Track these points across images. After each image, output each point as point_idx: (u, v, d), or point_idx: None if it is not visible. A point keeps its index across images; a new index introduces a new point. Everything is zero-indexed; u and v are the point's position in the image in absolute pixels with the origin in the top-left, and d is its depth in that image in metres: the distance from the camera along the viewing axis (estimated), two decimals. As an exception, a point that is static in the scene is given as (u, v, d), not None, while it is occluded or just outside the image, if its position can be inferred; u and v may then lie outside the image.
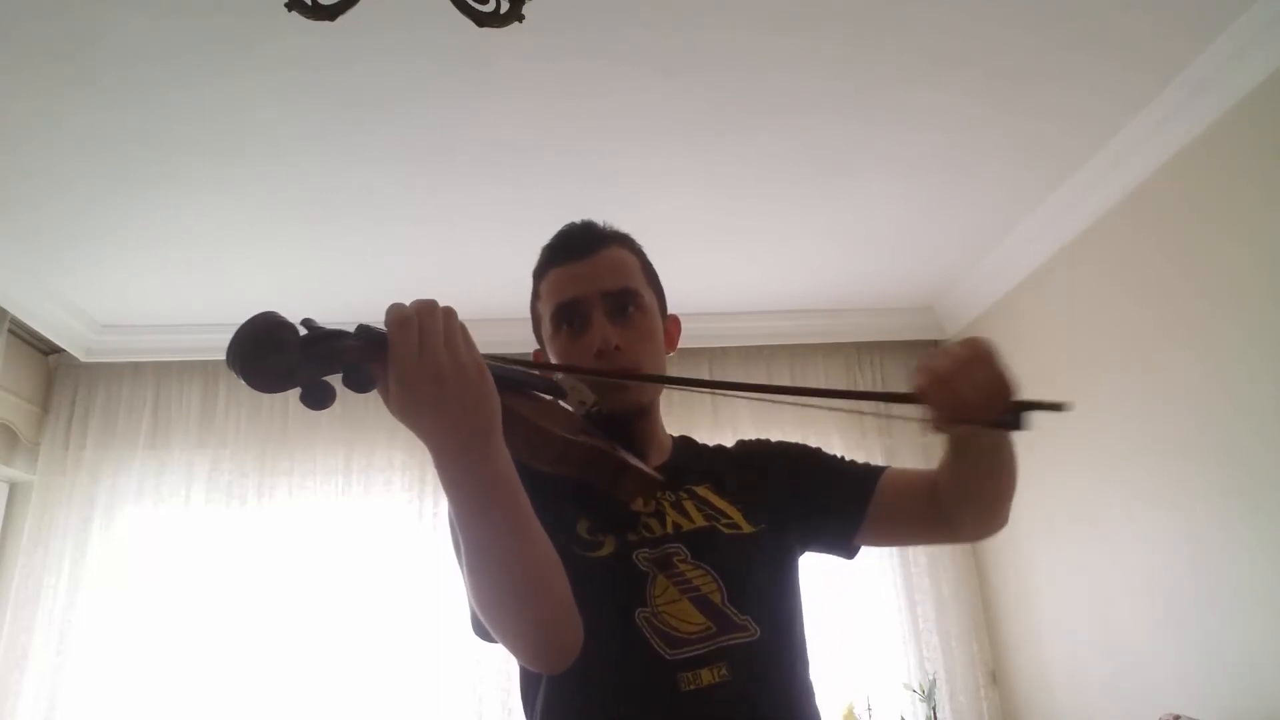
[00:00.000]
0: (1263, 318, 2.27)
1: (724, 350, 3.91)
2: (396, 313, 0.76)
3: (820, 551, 1.20)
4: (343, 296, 3.36)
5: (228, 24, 2.04)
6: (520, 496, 0.82)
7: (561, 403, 1.03)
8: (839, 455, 1.25)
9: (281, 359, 0.71)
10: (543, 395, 1.01)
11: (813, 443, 1.26)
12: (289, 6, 1.46)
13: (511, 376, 0.93)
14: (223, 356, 0.70)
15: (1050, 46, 2.26)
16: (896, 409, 0.92)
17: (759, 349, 3.94)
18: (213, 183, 2.68)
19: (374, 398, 0.77)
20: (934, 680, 3.50)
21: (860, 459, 1.24)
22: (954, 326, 3.91)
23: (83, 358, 3.61)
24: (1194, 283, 2.50)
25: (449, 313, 0.78)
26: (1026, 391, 0.89)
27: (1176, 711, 2.45)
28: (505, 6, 1.53)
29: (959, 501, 1.11)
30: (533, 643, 0.89)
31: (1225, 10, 2.17)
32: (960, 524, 1.14)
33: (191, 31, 2.06)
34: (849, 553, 1.20)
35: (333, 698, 3.34)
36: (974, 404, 0.87)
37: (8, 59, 2.12)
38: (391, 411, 0.77)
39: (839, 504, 1.17)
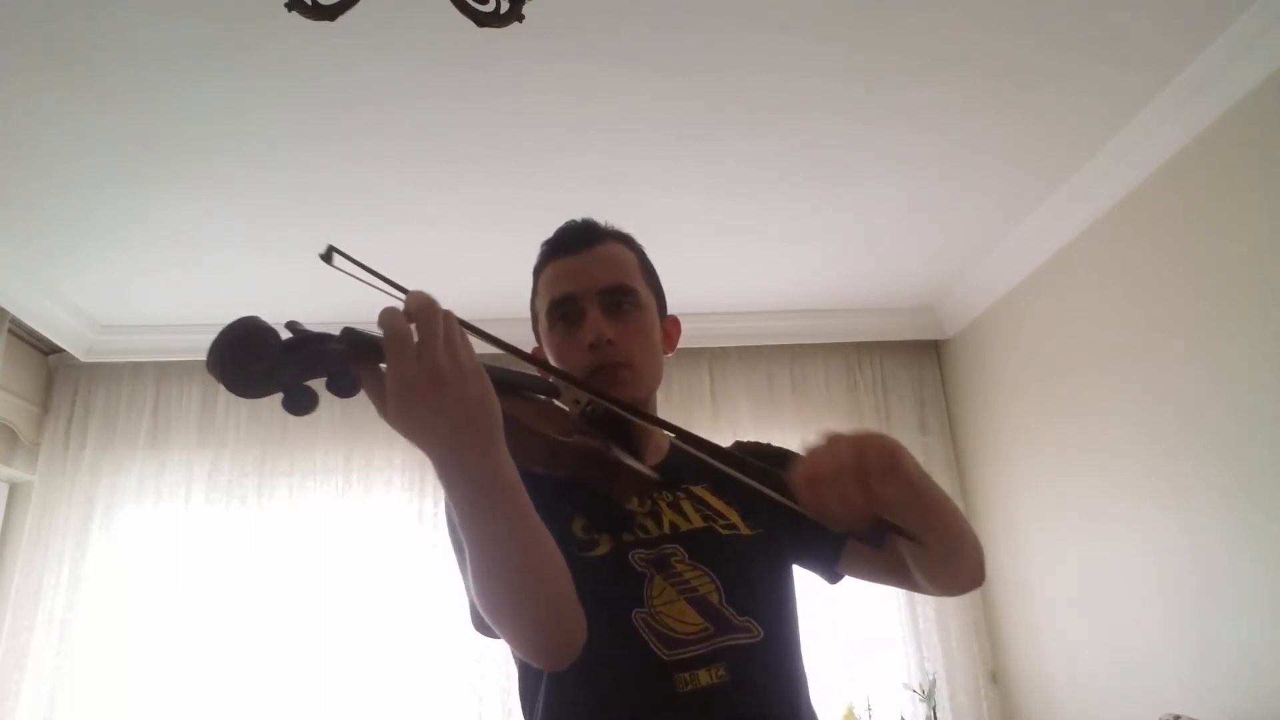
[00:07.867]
0: (1263, 318, 2.27)
1: (724, 350, 3.91)
2: (390, 316, 0.74)
3: (806, 569, 1.16)
4: (342, 296, 3.35)
5: (228, 24, 2.04)
6: (521, 496, 0.82)
7: (556, 402, 1.02)
8: None
9: (261, 364, 0.70)
10: (536, 396, 1.01)
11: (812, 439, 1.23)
12: (289, 6, 1.46)
13: (502, 378, 0.91)
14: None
15: (1050, 46, 2.26)
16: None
17: (759, 349, 3.94)
18: (213, 183, 2.68)
19: (375, 397, 0.76)
20: (934, 680, 3.49)
21: None
22: (954, 327, 3.91)
23: (83, 358, 3.61)
24: (1194, 283, 2.50)
25: (447, 314, 0.77)
26: (899, 509, 0.85)
27: (1176, 711, 2.45)
28: (505, 6, 1.53)
29: (913, 564, 1.06)
30: (535, 640, 0.89)
31: (1225, 10, 2.17)
32: (921, 584, 1.08)
33: (191, 31, 2.06)
34: (832, 578, 1.17)
35: (333, 698, 3.34)
36: (836, 513, 0.81)
37: (8, 59, 2.12)
38: (387, 418, 0.75)
39: (822, 531, 1.08)
